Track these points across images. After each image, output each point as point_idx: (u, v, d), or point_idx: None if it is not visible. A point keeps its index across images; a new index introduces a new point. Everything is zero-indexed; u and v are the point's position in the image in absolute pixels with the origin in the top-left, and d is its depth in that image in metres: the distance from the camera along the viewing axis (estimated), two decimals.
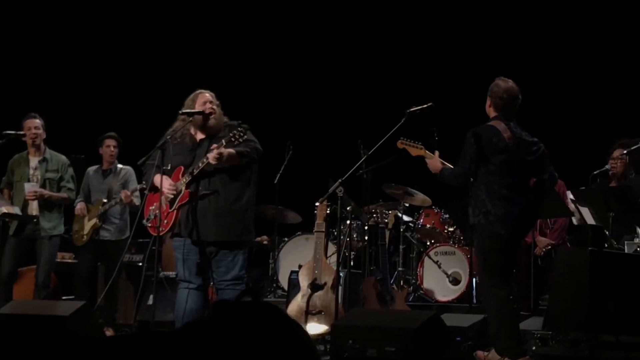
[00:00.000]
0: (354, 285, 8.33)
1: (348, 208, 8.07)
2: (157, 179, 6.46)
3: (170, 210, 6.47)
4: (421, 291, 9.60)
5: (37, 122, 8.63)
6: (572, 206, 7.90)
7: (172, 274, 8.61)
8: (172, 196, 6.43)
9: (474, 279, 8.87)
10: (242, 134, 6.23)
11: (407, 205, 9.85)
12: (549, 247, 8.61)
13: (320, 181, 8.74)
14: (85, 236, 8.87)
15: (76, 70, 12.00)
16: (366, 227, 9.22)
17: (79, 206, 8.93)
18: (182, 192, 6.42)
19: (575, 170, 8.78)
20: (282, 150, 9.78)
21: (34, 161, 8.67)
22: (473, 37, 11.59)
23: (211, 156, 6.22)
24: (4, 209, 8.48)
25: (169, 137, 6.50)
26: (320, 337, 7.50)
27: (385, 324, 5.90)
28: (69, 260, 9.78)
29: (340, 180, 7.16)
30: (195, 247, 6.47)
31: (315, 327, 7.60)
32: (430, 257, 9.59)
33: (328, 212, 8.32)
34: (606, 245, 6.91)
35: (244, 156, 6.38)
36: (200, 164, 6.32)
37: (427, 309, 8.77)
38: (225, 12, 12.30)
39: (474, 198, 6.25)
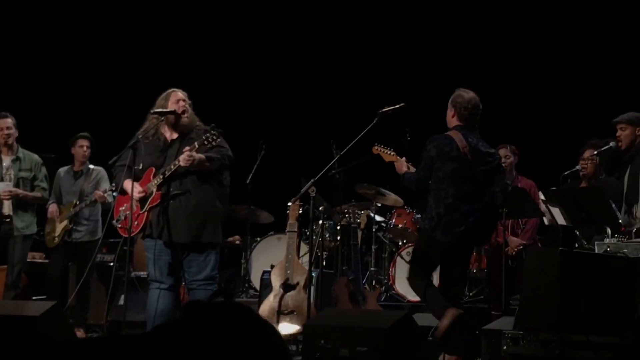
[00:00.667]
0: (326, 285, 8.34)
1: (320, 208, 8.07)
2: (127, 184, 6.44)
3: (140, 212, 6.44)
4: (393, 291, 9.62)
5: (9, 121, 8.58)
6: (543, 206, 7.94)
7: (143, 274, 8.57)
8: (142, 196, 6.41)
9: None
10: (215, 137, 6.22)
11: (379, 205, 9.88)
12: (521, 247, 8.65)
13: (292, 181, 8.74)
14: (56, 238, 8.81)
15: (48, 68, 11.92)
16: (338, 227, 9.23)
17: (51, 208, 8.87)
18: (153, 194, 6.40)
19: (546, 170, 8.84)
20: (255, 150, 9.77)
21: (6, 160, 8.61)
22: (443, 38, 11.64)
23: (182, 158, 6.20)
24: None
25: (140, 136, 6.46)
26: (292, 337, 7.50)
27: (357, 323, 5.91)
28: (39, 260, 9.72)
29: (312, 180, 7.16)
30: (167, 247, 6.44)
31: (287, 327, 7.60)
32: (402, 257, 9.61)
33: (300, 212, 8.33)
34: (577, 246, 6.95)
35: (215, 162, 6.37)
36: (172, 166, 6.30)
37: (399, 309, 8.79)
38: (192, 11, 12.26)
39: (427, 204, 6.43)
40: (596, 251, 6.57)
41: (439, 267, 6.74)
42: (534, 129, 10.73)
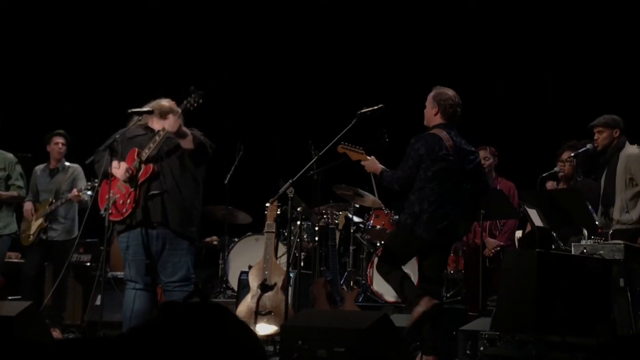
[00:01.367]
0: (304, 285, 8.32)
1: (298, 209, 8.07)
2: (114, 164, 6.35)
3: (132, 190, 6.35)
4: (371, 292, 9.62)
5: None
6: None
7: (120, 274, 8.53)
8: (130, 175, 6.32)
9: None
10: (196, 99, 6.18)
11: (357, 206, 9.88)
12: (498, 248, 8.68)
13: (270, 182, 8.72)
14: (31, 236, 8.76)
15: (24, 67, 11.85)
16: (316, 228, 9.23)
17: (27, 207, 8.83)
18: (142, 168, 6.32)
19: (525, 172, 8.87)
20: (233, 150, 9.75)
21: None
22: (420, 39, 11.66)
23: (168, 124, 6.13)
24: None
25: (117, 136, 6.41)
26: (270, 338, 7.50)
27: (335, 324, 5.90)
28: (15, 260, 9.66)
29: (290, 181, 7.15)
30: (142, 247, 6.37)
31: (264, 328, 7.58)
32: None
33: (278, 212, 8.32)
34: (553, 247, 6.98)
35: (199, 143, 6.31)
36: (157, 137, 6.22)
37: (376, 310, 8.80)
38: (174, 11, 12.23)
39: (406, 200, 6.38)
40: (573, 253, 6.60)
41: (417, 266, 6.75)
42: (513, 131, 10.77)
